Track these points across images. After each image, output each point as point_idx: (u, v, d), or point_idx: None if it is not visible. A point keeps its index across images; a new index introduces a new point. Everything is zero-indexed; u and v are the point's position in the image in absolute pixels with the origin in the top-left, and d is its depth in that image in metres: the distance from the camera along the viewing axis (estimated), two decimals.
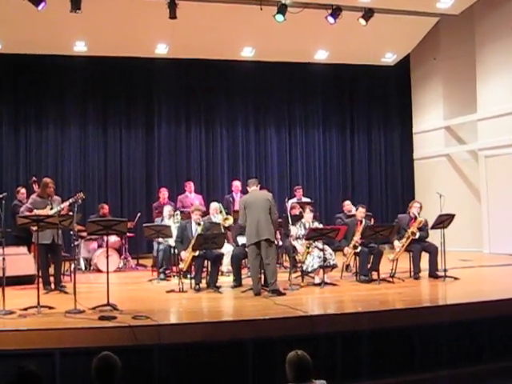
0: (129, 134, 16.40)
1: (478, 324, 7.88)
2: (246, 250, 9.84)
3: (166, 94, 16.66)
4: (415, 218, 10.94)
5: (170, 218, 12.06)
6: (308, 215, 10.73)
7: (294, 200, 14.04)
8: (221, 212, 12.06)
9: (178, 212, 12.31)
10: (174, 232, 11.05)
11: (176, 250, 10.70)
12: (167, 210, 12.22)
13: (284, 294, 9.02)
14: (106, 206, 13.57)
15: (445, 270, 10.52)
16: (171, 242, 11.32)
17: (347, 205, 13.50)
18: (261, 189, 10.05)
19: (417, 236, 10.78)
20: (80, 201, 9.34)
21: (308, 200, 14.28)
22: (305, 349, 4.72)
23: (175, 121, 16.74)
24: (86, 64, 15.59)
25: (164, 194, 13.77)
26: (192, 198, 13.77)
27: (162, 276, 11.34)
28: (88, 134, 16.09)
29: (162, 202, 13.61)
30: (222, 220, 11.88)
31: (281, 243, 11.69)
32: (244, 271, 10.80)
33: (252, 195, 9.51)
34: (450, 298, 9.42)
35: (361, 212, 11.08)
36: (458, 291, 9.69)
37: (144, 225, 11.72)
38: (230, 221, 11.92)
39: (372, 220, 11.99)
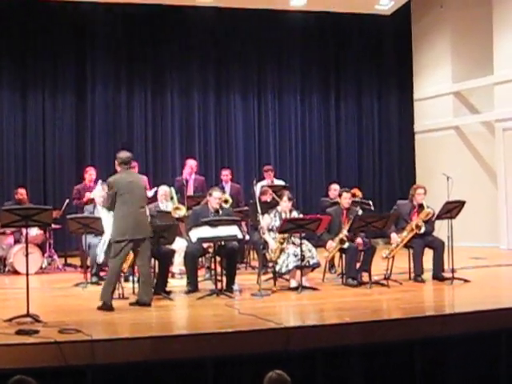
0: (54, 100, 16.21)
1: (494, 337, 7.96)
2: (204, 246, 9.88)
3: (101, 49, 16.48)
4: (420, 206, 11.01)
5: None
6: (285, 204, 10.71)
7: (265, 183, 14.05)
8: (172, 198, 12.03)
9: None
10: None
11: None
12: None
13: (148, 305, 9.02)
14: (21, 191, 13.42)
15: (452, 271, 10.62)
16: (106, 236, 11.27)
17: (334, 189, 13.32)
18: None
19: (422, 230, 10.85)
20: None
21: (282, 183, 14.30)
22: (278, 368, 4.73)
23: (113, 83, 16.59)
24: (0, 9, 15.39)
25: (91, 174, 13.70)
26: None
27: (93, 279, 11.28)
28: (1, 100, 15.87)
29: (87, 184, 13.58)
30: (172, 209, 11.85)
31: (247, 237, 11.70)
32: (201, 272, 10.81)
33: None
34: (459, 305, 9.52)
35: (345, 198, 11.09)
36: (468, 297, 9.79)
37: (68, 217, 11.65)
38: (183, 211, 11.89)
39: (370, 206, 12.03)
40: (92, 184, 13.49)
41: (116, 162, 9.44)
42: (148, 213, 9.95)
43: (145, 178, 13.79)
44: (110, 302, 8.91)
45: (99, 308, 8.78)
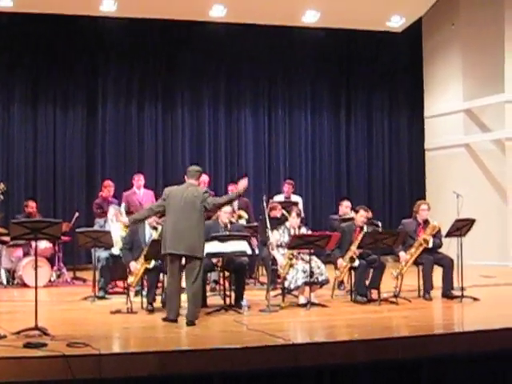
0: (65, 114, 16.27)
1: (504, 357, 7.92)
2: (213, 261, 9.87)
3: (113, 63, 16.58)
4: (425, 222, 10.98)
5: (117, 221, 12.03)
6: (294, 220, 10.72)
7: (280, 197, 14.14)
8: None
9: (124, 213, 12.31)
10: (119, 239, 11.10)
11: (123, 260, 10.65)
12: (112, 211, 12.17)
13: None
14: (31, 203, 13.44)
15: (462, 289, 10.59)
16: (115, 250, 11.33)
17: (346, 206, 13.28)
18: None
19: (430, 244, 10.81)
20: (1, 195, 9.27)
21: (298, 198, 14.32)
22: None
23: (125, 97, 16.66)
24: (11, 24, 15.43)
25: (109, 189, 13.71)
26: (141, 195, 13.77)
27: (101, 293, 11.28)
28: (13, 112, 15.93)
29: (106, 198, 13.57)
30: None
31: (257, 252, 11.70)
32: (208, 288, 10.80)
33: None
34: (469, 323, 9.49)
35: (361, 216, 11.06)
36: (478, 315, 9.76)
37: (77, 230, 11.69)
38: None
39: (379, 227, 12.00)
40: (111, 198, 13.52)
41: (186, 176, 9.44)
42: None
43: (151, 192, 13.91)
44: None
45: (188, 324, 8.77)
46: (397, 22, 17.35)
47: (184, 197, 9.04)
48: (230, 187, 14.21)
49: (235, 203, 13.50)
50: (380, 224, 12.64)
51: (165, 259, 9.16)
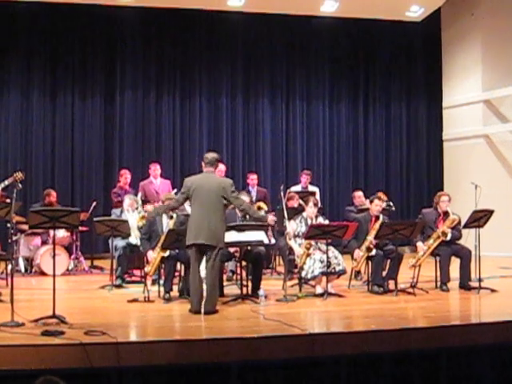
0: (83, 103, 16.31)
1: None
2: (231, 250, 9.89)
3: (131, 52, 16.59)
4: (445, 214, 10.95)
5: (133, 211, 12.08)
6: (311, 209, 10.72)
7: (297, 188, 14.16)
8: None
9: (140, 202, 12.37)
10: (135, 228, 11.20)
11: (141, 249, 10.70)
12: (128, 201, 12.22)
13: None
14: (53, 193, 13.55)
15: (479, 280, 10.57)
16: (132, 239, 11.38)
17: (358, 197, 13.47)
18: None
19: (448, 237, 10.78)
20: (19, 184, 9.30)
21: (315, 189, 14.35)
22: (303, 374, 4.72)
23: (142, 86, 16.67)
24: (30, 13, 15.51)
25: (126, 177, 13.76)
26: (158, 184, 13.82)
27: (118, 281, 11.34)
28: (31, 101, 15.99)
29: (123, 187, 13.63)
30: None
31: (273, 242, 11.70)
32: (225, 277, 10.84)
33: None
34: (486, 314, 9.45)
35: (377, 205, 11.06)
36: (495, 306, 9.71)
37: (95, 219, 11.76)
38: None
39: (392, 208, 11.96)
40: (127, 187, 13.59)
41: (202, 163, 9.43)
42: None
43: (168, 182, 13.96)
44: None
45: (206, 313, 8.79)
46: (416, 12, 17.28)
47: (209, 189, 9.04)
48: (252, 176, 14.29)
49: (254, 194, 13.57)
50: (392, 204, 12.65)
51: (190, 250, 9.16)
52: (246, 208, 9.43)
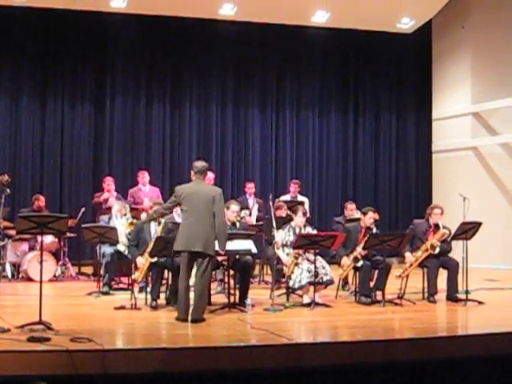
0: (73, 109, 16.29)
1: (507, 360, 7.92)
2: (219, 259, 9.88)
3: (121, 59, 16.58)
4: (436, 226, 10.97)
5: (121, 217, 12.07)
6: (300, 219, 10.74)
7: (286, 197, 14.17)
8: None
9: (128, 208, 12.37)
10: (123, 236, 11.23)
11: (130, 256, 10.69)
12: (116, 207, 12.22)
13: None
14: (42, 198, 13.53)
15: (466, 292, 10.59)
16: (120, 246, 11.41)
17: (351, 209, 13.22)
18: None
19: (436, 251, 10.80)
20: (8, 189, 9.26)
21: (305, 199, 14.33)
22: None
23: (133, 93, 16.67)
24: (21, 18, 15.48)
25: (109, 184, 13.74)
26: (146, 191, 13.86)
27: (105, 289, 11.31)
28: (21, 106, 15.96)
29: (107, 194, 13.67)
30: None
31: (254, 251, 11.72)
32: (213, 285, 10.82)
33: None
34: (473, 326, 9.49)
35: (370, 218, 11.05)
36: (482, 319, 9.74)
37: (83, 226, 11.74)
38: None
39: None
40: (113, 192, 13.59)
41: (192, 172, 9.40)
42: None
43: (157, 189, 13.98)
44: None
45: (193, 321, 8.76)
46: (406, 24, 17.27)
47: (201, 197, 9.01)
48: (250, 185, 14.39)
49: (255, 206, 13.60)
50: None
51: (180, 256, 9.14)
52: (221, 224, 9.16)
